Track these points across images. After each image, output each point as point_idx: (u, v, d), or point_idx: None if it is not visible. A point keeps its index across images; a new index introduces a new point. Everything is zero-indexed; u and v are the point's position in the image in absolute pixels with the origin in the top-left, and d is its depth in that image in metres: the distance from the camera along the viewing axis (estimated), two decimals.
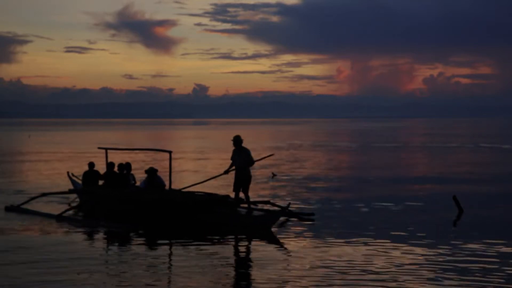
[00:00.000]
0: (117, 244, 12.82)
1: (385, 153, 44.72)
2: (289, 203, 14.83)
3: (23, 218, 15.27)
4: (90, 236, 13.58)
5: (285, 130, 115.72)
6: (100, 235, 13.81)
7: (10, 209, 16.59)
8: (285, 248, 12.15)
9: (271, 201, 16.75)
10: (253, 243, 12.84)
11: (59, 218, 15.17)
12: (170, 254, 11.80)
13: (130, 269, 10.37)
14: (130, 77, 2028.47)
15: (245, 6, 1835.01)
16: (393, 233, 13.50)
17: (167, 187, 16.61)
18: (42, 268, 10.28)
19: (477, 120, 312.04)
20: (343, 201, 18.45)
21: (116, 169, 17.38)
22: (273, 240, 13.11)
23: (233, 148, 15.10)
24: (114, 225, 14.41)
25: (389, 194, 20.30)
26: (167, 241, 12.90)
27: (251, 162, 14.98)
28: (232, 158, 15.04)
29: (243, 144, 15.07)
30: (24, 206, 16.62)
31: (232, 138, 15.05)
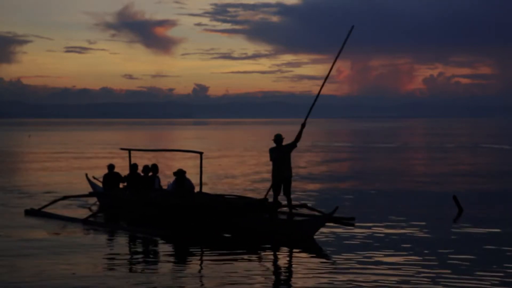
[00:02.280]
0: (147, 250, 12.22)
1: (385, 153, 44.69)
2: (337, 207, 13.44)
3: (46, 223, 14.66)
4: (118, 241, 13.03)
5: (285, 131, 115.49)
6: (128, 241, 13.12)
7: (30, 213, 15.80)
8: (329, 257, 11.41)
9: (309, 204, 15.71)
10: (294, 251, 11.96)
11: (85, 222, 14.50)
12: (201, 263, 11.12)
13: (160, 278, 9.90)
14: (130, 77, 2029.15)
15: (245, 6, 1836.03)
16: (396, 233, 13.52)
17: (197, 190, 15.77)
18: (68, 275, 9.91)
19: (477, 120, 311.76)
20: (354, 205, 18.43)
21: (139, 170, 16.63)
22: (316, 248, 12.26)
23: (271, 147, 13.91)
24: (144, 231, 13.63)
25: (390, 195, 20.29)
26: (198, 248, 12.22)
27: (292, 147, 13.72)
28: (270, 158, 13.78)
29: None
30: (45, 210, 15.91)
31: (274, 138, 13.84)
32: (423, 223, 14.73)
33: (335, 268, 10.48)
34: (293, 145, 13.76)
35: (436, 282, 9.57)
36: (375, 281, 9.63)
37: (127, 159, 17.72)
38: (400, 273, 10.07)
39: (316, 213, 14.49)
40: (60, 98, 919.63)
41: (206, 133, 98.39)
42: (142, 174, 16.41)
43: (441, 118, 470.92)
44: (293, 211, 14.11)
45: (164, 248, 12.32)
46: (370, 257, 11.16)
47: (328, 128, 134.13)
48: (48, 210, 15.95)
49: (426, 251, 11.68)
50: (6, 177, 25.84)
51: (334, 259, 11.21)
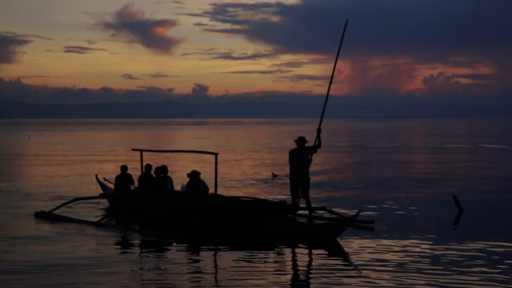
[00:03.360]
0: (162, 253, 11.87)
1: (385, 153, 44.62)
2: (359, 210, 13.16)
3: (57, 226, 14.26)
4: (132, 245, 12.70)
5: (285, 130, 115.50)
6: (143, 244, 12.68)
7: (40, 215, 15.40)
8: (350, 260, 11.16)
9: (327, 207, 15.18)
10: (315, 255, 11.58)
11: (98, 225, 14.15)
12: (217, 266, 10.84)
13: (176, 280, 9.69)
14: (129, 77, 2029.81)
15: (245, 6, 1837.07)
16: (396, 233, 13.51)
17: (211, 191, 15.42)
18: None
19: (477, 120, 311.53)
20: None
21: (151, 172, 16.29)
22: (339, 252, 11.87)
23: (291, 149, 13.59)
24: (159, 233, 13.25)
25: (389, 194, 20.22)
26: (216, 251, 11.85)
27: (313, 151, 13.48)
28: (290, 161, 13.47)
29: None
30: (56, 212, 15.48)
31: (297, 140, 13.61)
32: (424, 223, 14.68)
33: (356, 272, 10.28)
34: (314, 149, 13.51)
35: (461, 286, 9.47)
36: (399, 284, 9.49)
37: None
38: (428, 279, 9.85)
39: (336, 216, 14.22)
40: (60, 98, 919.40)
41: (208, 133, 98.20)
42: (154, 175, 16.08)
43: (441, 118, 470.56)
44: (312, 213, 13.85)
45: (180, 251, 11.97)
46: (391, 262, 10.91)
47: (329, 128, 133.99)
48: (59, 212, 15.56)
49: (427, 251, 11.64)
50: (11, 179, 25.28)
51: (354, 262, 11.00)
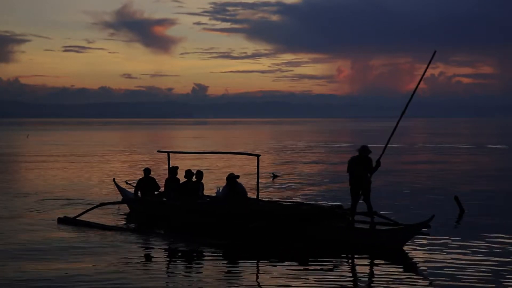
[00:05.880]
0: (201, 260, 11.20)
1: (385, 153, 44.15)
2: (433, 215, 11.94)
3: (83, 233, 13.39)
4: (167, 252, 11.94)
5: (285, 131, 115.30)
6: (180, 252, 11.98)
7: (64, 221, 14.53)
8: (418, 269, 10.46)
9: (378, 212, 13.88)
10: (378, 266, 10.71)
11: (130, 231, 13.48)
12: (262, 277, 10.03)
13: None
14: (129, 76, 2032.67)
15: (245, 5, 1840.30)
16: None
17: (249, 195, 14.77)
18: None
19: (479, 120, 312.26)
20: None
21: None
22: (407, 262, 11.02)
23: (352, 157, 12.76)
24: (198, 240, 12.54)
25: (390, 195, 19.85)
26: (262, 262, 10.98)
27: (375, 170, 12.62)
28: (350, 170, 12.57)
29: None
30: (81, 218, 14.57)
31: (359, 148, 12.74)
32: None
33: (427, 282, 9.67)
34: (375, 169, 12.60)
35: None
36: None
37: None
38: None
39: (388, 221, 13.12)
40: (59, 97, 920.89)
41: (208, 133, 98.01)
42: (185, 179, 15.09)
43: (442, 117, 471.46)
44: (374, 219, 12.81)
45: (221, 259, 11.30)
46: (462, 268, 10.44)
47: (330, 128, 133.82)
48: (84, 218, 14.64)
49: (427, 250, 11.21)
50: (21, 182, 24.18)
51: (423, 271, 10.33)
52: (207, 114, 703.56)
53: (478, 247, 12.02)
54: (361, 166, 12.52)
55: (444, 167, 31.44)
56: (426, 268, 10.47)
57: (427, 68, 13.21)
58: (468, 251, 11.65)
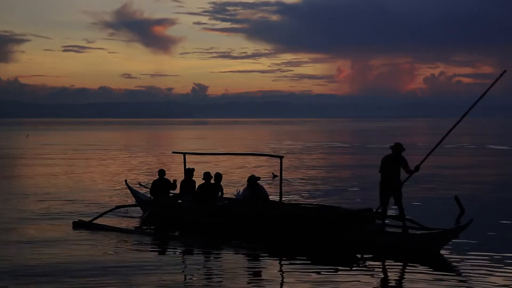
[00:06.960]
0: (227, 264, 10.88)
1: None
2: (472, 219, 11.78)
3: (100, 237, 13.01)
4: (189, 256, 11.77)
5: (285, 131, 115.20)
6: (201, 255, 11.76)
7: (80, 225, 14.06)
8: (460, 273, 10.20)
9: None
10: (410, 272, 10.32)
11: (150, 235, 13.19)
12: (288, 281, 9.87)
13: None
14: (128, 76, 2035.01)
15: (245, 5, 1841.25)
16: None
17: (270, 198, 14.47)
18: None
19: (479, 119, 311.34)
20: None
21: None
22: (446, 268, 10.63)
23: (384, 156, 12.48)
24: (226, 243, 12.30)
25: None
26: (291, 264, 10.80)
27: (410, 174, 12.42)
28: (382, 169, 12.33)
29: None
30: (97, 222, 14.16)
31: (393, 145, 12.44)
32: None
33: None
34: (411, 173, 12.42)
35: None
36: None
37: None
38: None
39: (416, 226, 12.82)
40: (58, 97, 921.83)
41: (209, 133, 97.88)
42: (203, 181, 14.83)
43: (442, 117, 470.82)
44: (406, 223, 12.50)
45: (247, 262, 11.10)
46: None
47: (330, 128, 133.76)
48: (99, 221, 14.27)
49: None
50: (27, 183, 23.63)
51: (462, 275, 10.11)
52: (207, 114, 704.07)
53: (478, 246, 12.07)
54: (394, 165, 12.24)
55: (444, 167, 31.38)
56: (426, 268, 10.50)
57: (493, 84, 13.61)
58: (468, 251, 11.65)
